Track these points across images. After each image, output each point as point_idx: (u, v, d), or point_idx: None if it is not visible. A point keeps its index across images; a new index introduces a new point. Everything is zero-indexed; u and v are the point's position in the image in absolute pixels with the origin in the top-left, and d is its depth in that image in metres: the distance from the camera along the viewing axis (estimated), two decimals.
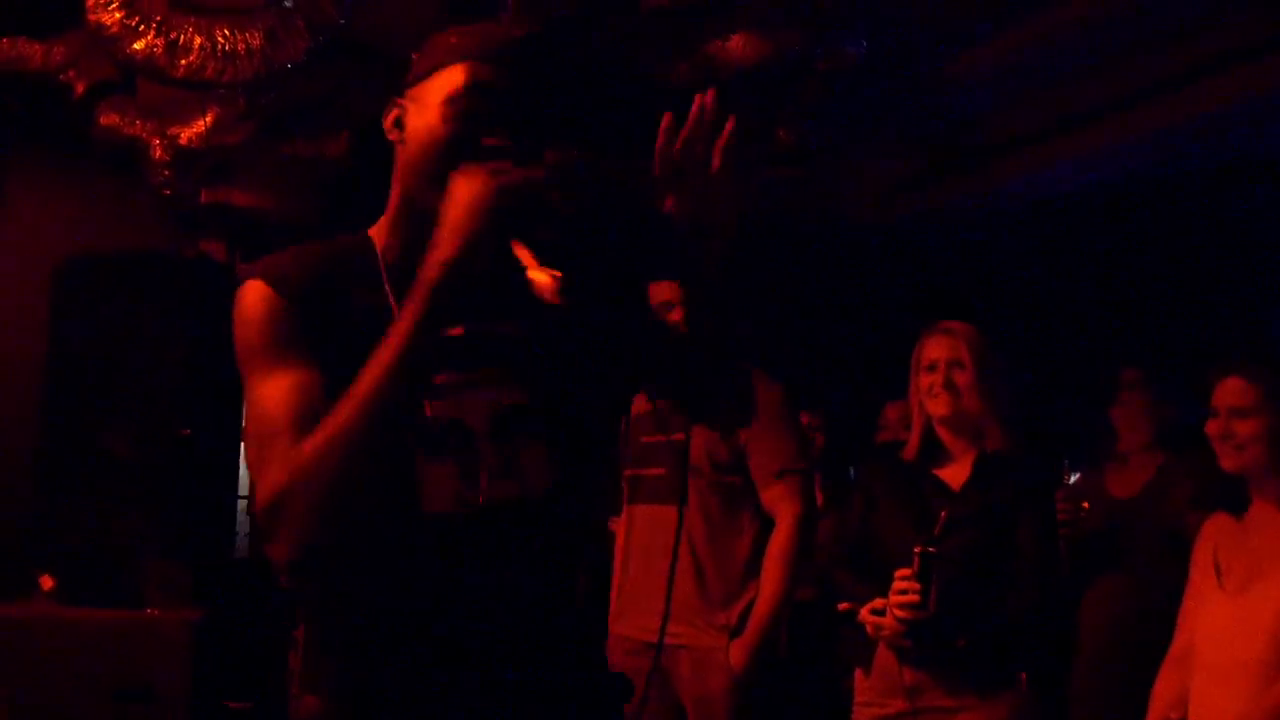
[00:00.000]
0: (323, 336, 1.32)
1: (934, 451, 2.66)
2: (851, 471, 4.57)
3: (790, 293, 5.95)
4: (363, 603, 1.35)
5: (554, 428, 1.42)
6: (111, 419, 4.00)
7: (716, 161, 1.34)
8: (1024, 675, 2.50)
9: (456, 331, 1.36)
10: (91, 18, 3.47)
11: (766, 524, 2.93)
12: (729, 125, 1.34)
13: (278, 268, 1.36)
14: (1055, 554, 2.69)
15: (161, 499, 3.99)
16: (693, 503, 2.94)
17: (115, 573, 3.86)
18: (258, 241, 4.61)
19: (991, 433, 2.60)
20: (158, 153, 4.31)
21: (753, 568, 2.92)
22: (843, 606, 2.64)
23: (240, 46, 3.48)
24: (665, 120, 1.33)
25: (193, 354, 4.08)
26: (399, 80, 1.43)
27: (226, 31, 3.49)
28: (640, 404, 2.38)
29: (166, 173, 4.34)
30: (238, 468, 4.66)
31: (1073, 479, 3.65)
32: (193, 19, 3.50)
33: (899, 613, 2.43)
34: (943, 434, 2.65)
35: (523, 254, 1.28)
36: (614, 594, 3.06)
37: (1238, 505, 2.38)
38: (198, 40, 3.47)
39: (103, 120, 4.37)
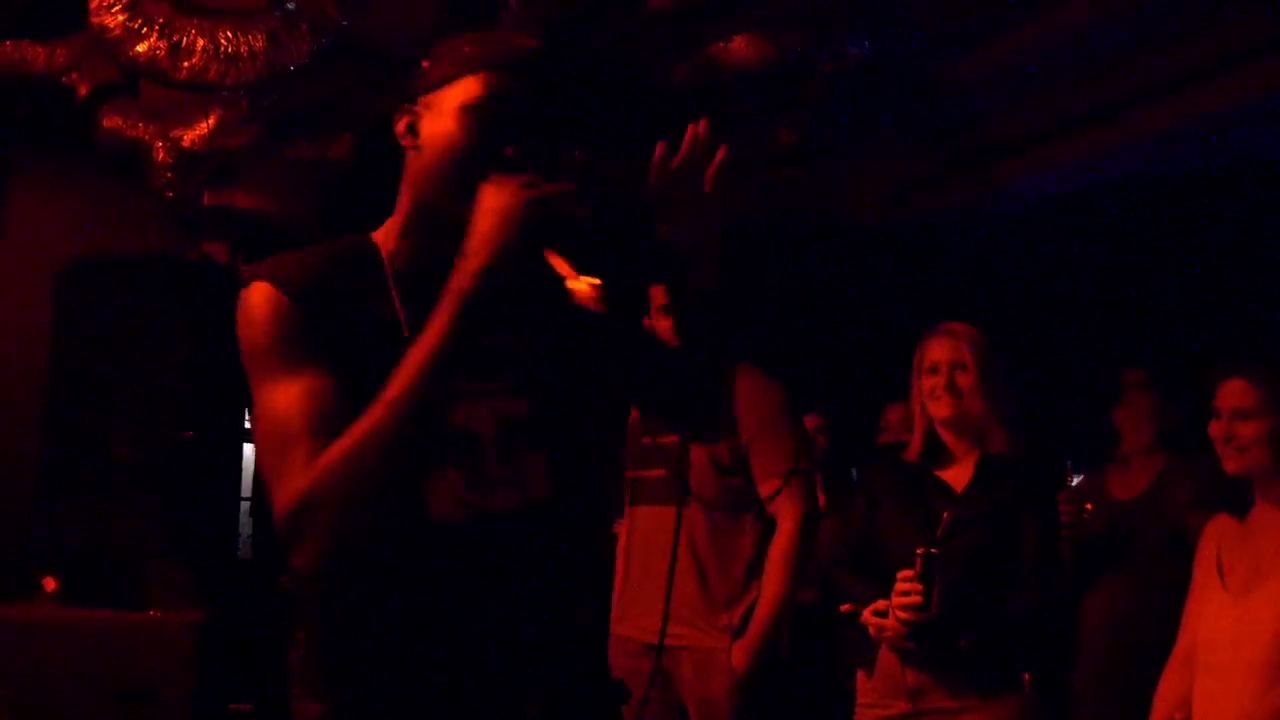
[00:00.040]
0: (328, 339, 1.32)
1: (936, 453, 2.66)
2: (854, 473, 4.57)
3: (792, 294, 5.95)
4: (367, 607, 1.36)
5: (554, 436, 1.43)
6: (114, 421, 4.00)
7: (707, 188, 1.36)
8: (1027, 677, 2.50)
9: None
10: (94, 20, 3.48)
11: (769, 525, 2.93)
12: (720, 154, 1.36)
13: (283, 269, 1.36)
14: (1057, 555, 2.69)
15: (164, 501, 3.99)
16: (694, 504, 2.94)
17: (117, 574, 3.86)
18: (260, 244, 4.61)
19: (994, 434, 2.60)
20: (160, 155, 4.32)
21: (755, 569, 2.91)
22: (845, 608, 2.64)
23: (243, 49, 3.49)
24: (659, 150, 1.35)
25: (195, 356, 4.08)
26: (403, 83, 1.43)
27: (229, 34, 3.50)
28: None
29: (169, 175, 4.34)
30: (240, 470, 4.66)
31: (1075, 480, 3.65)
32: (195, 21, 3.51)
33: (901, 614, 2.43)
34: (945, 436, 2.65)
35: (559, 264, 1.29)
36: (616, 595, 3.06)
37: (1240, 507, 2.38)
38: (200, 42, 3.48)
39: (105, 123, 4.38)
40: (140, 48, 3.46)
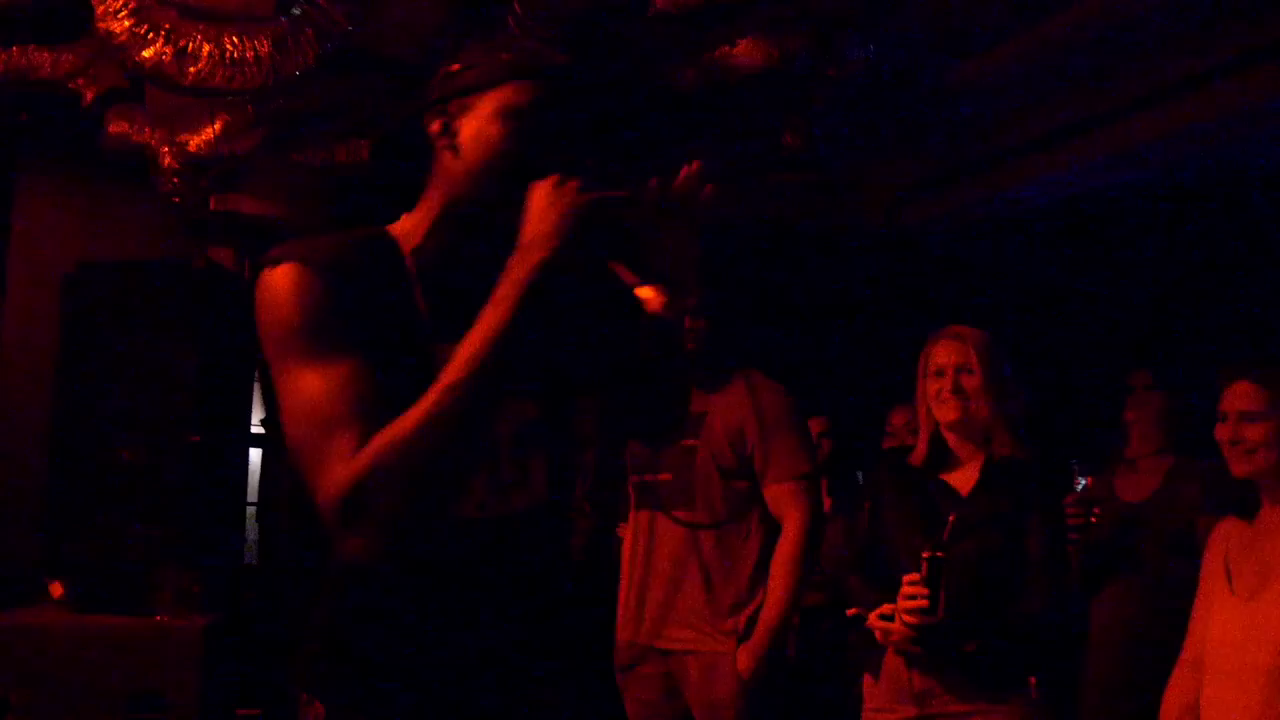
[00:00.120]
0: (359, 322, 1.31)
1: (942, 456, 2.65)
2: (859, 477, 4.57)
3: (797, 298, 5.96)
4: (380, 608, 1.36)
5: (556, 440, 1.46)
6: (122, 426, 4.01)
7: (685, 221, 1.38)
8: (1034, 680, 2.49)
9: None
10: (100, 25, 3.49)
11: (774, 529, 2.93)
12: (707, 190, 1.38)
13: (311, 251, 1.34)
14: (1064, 559, 2.68)
15: (172, 506, 4.00)
16: (699, 508, 2.94)
17: (126, 579, 3.87)
18: (267, 249, 4.62)
19: (1000, 438, 2.59)
20: (167, 160, 4.32)
21: (760, 573, 2.91)
22: (851, 612, 2.64)
23: (249, 54, 3.49)
24: (652, 185, 1.37)
25: (202, 361, 4.09)
26: (428, 86, 1.44)
27: (235, 39, 3.50)
28: None
29: (175, 180, 4.35)
30: (248, 474, 4.67)
31: (1082, 483, 3.65)
32: (201, 27, 3.51)
33: (908, 618, 2.43)
34: (951, 439, 2.64)
35: (624, 272, 1.32)
36: (621, 600, 3.06)
37: (1248, 509, 2.37)
38: (206, 48, 3.49)
39: (112, 128, 4.39)
40: (146, 53, 3.46)
